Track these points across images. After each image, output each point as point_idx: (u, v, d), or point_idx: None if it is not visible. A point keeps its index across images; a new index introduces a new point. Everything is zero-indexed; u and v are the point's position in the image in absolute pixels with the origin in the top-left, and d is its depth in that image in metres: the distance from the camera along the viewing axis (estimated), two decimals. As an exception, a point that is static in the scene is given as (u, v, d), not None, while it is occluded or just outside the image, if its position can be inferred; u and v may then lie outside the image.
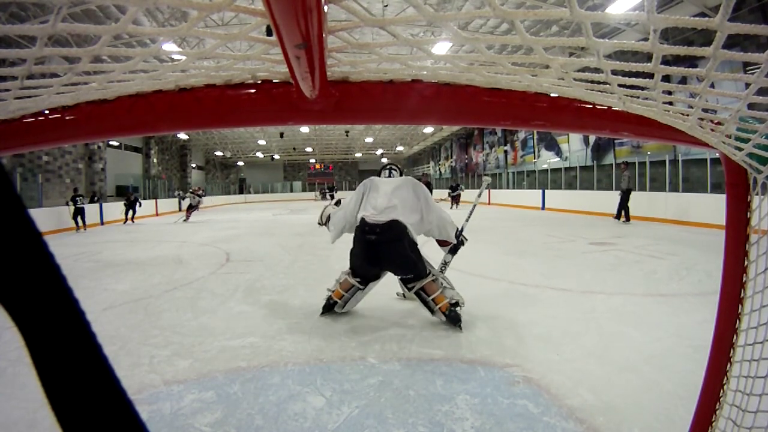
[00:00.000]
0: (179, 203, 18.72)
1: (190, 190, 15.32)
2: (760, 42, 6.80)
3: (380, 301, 3.50)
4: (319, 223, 3.47)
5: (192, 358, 2.42)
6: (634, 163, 11.54)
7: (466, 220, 3.42)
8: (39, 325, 0.22)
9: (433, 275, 2.87)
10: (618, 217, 9.95)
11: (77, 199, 11.40)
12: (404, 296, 3.44)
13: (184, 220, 13.54)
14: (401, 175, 3.30)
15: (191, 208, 14.18)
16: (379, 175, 3.32)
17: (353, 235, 2.91)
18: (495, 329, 2.78)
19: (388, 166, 3.39)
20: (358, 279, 2.96)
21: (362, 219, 2.79)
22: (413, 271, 2.81)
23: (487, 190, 20.88)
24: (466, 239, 3.30)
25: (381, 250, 2.76)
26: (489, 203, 19.52)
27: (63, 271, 0.23)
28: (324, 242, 7.47)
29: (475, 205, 3.52)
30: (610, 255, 5.61)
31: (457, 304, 2.81)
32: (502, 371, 2.19)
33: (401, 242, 2.73)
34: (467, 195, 19.19)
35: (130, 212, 13.80)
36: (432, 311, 2.85)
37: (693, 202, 9.02)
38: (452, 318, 2.78)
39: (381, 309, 3.30)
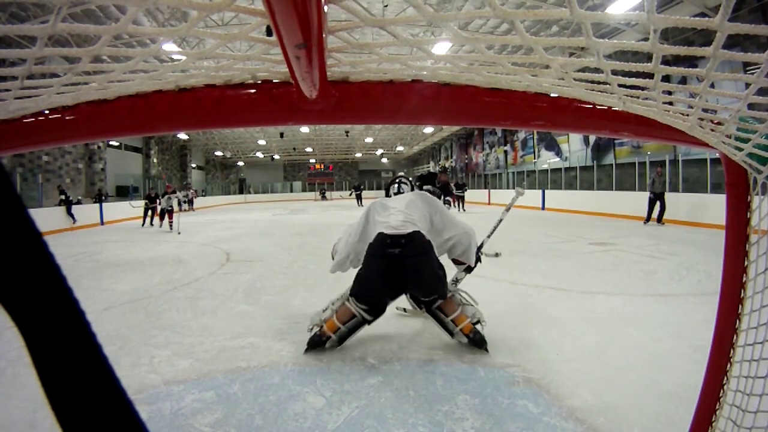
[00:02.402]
0: (146, 211, 11.94)
1: (164, 191, 11.27)
2: (760, 42, 6.80)
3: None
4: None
5: (192, 358, 2.42)
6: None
7: (488, 236, 2.97)
8: (39, 325, 0.22)
9: (451, 292, 2.52)
10: (648, 220, 9.45)
11: (64, 195, 11.86)
12: (405, 310, 3.11)
13: (165, 226, 10.66)
14: (412, 189, 2.92)
15: (165, 213, 10.83)
16: (387, 190, 2.96)
17: (366, 252, 2.41)
18: (495, 329, 2.78)
19: (398, 180, 2.99)
20: (364, 307, 2.42)
21: (380, 233, 2.35)
22: (440, 291, 2.38)
23: (491, 191, 20.87)
24: (483, 255, 2.88)
25: (408, 266, 2.26)
26: (489, 203, 19.54)
27: (63, 271, 0.23)
28: (324, 242, 7.47)
29: (501, 220, 3.02)
30: (610, 255, 5.62)
31: (478, 322, 2.48)
32: (502, 371, 2.19)
33: (429, 256, 2.31)
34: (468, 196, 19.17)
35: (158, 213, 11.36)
36: (452, 333, 2.49)
37: (693, 203, 9.02)
38: (477, 341, 2.44)
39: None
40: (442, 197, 6.57)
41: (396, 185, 2.93)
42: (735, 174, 0.94)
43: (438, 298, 2.41)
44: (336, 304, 2.53)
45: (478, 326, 2.48)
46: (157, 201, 11.55)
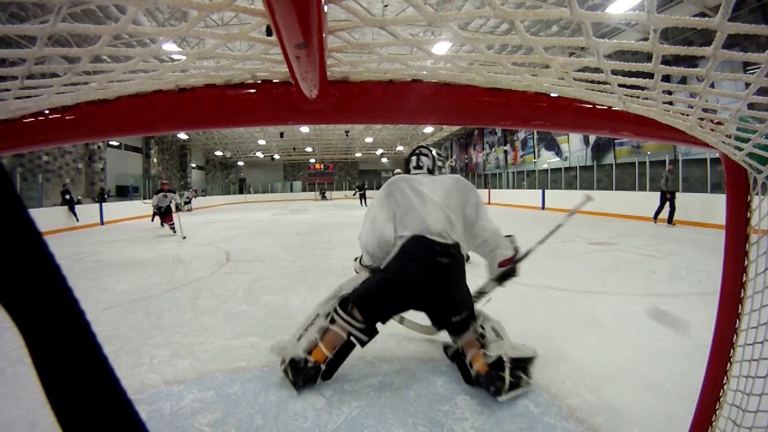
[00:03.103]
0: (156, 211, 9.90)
1: (160, 188, 9.61)
2: (760, 42, 6.79)
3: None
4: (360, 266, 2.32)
5: (192, 358, 2.42)
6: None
7: (540, 242, 2.36)
8: (39, 325, 0.22)
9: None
10: (656, 219, 9.19)
11: (68, 196, 11.85)
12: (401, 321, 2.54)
13: (171, 229, 9.24)
14: (434, 164, 2.33)
15: (162, 212, 9.30)
16: (406, 164, 2.42)
17: (400, 254, 2.02)
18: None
19: (417, 151, 2.41)
20: (361, 326, 1.96)
21: (424, 237, 1.99)
22: (472, 308, 2.06)
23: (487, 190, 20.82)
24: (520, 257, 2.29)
25: (450, 277, 2.01)
26: (489, 203, 19.54)
27: (63, 271, 0.23)
28: (324, 242, 7.48)
29: (560, 225, 2.40)
30: (610, 255, 5.61)
31: (500, 362, 1.89)
32: (502, 371, 2.19)
33: (464, 268, 2.10)
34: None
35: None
36: (470, 375, 1.98)
37: (693, 202, 9.02)
38: (494, 383, 1.85)
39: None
40: None
41: (415, 158, 2.39)
42: (735, 174, 0.95)
43: (470, 316, 2.03)
44: (313, 329, 2.04)
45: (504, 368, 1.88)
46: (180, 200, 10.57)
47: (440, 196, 2.11)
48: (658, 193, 9.09)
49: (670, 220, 8.92)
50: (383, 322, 2.05)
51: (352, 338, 1.98)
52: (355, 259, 2.40)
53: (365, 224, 2.20)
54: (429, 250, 1.98)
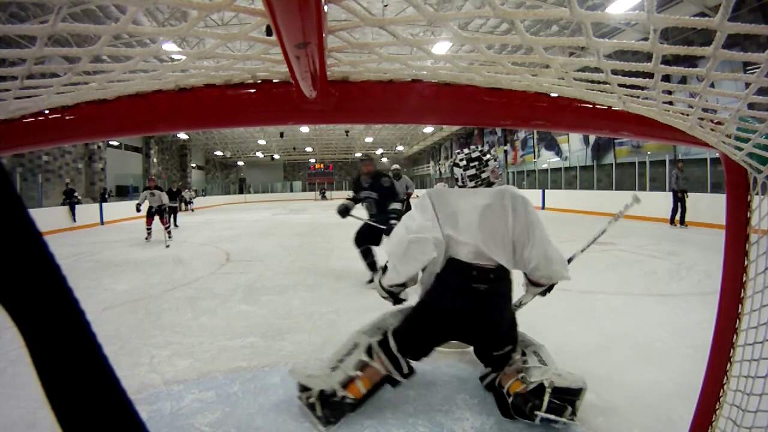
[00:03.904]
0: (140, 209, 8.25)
1: (146, 185, 8.21)
2: (760, 42, 6.79)
3: (380, 299, 3.49)
4: (388, 290, 1.93)
5: (192, 358, 2.42)
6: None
7: (582, 250, 2.26)
8: (39, 325, 0.22)
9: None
10: (672, 221, 8.72)
11: (73, 197, 11.97)
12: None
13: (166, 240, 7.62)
14: (480, 176, 1.83)
15: (154, 213, 7.98)
16: (451, 173, 1.97)
17: (435, 280, 1.77)
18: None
19: (455, 161, 1.90)
20: (404, 365, 1.79)
21: (458, 260, 1.73)
22: (514, 340, 1.86)
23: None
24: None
25: (492, 306, 1.75)
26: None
27: (63, 271, 0.23)
28: (324, 242, 7.48)
29: (605, 230, 2.30)
30: (610, 255, 5.61)
31: (540, 390, 1.64)
32: (502, 371, 2.19)
33: (510, 296, 1.83)
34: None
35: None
36: (511, 407, 1.71)
37: (693, 202, 9.01)
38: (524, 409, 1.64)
39: (381, 309, 3.29)
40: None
41: (456, 169, 1.88)
42: (735, 174, 0.95)
43: (512, 350, 1.82)
44: (351, 360, 1.81)
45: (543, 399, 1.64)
46: (177, 198, 10.18)
47: (476, 216, 1.74)
48: (670, 194, 8.73)
49: (682, 221, 8.53)
50: (423, 357, 1.85)
51: (391, 375, 1.79)
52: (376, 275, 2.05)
53: (405, 226, 1.83)
54: (460, 273, 1.72)
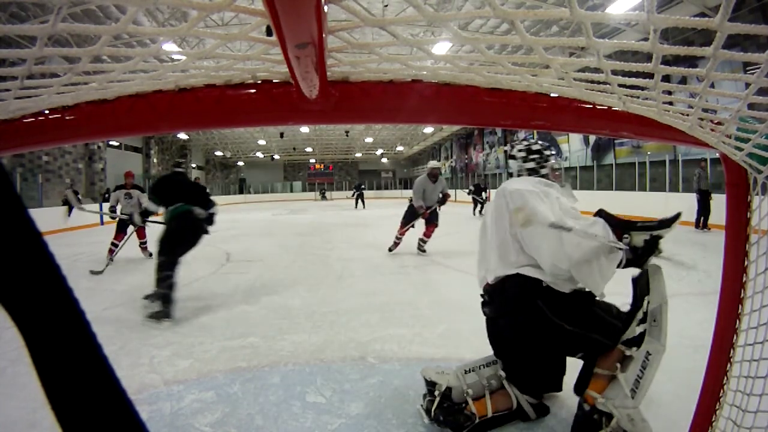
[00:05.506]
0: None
1: (122, 183, 6.17)
2: (760, 42, 6.79)
3: (380, 299, 3.50)
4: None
5: (192, 358, 2.42)
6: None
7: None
8: (39, 325, 0.22)
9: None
10: (698, 224, 8.00)
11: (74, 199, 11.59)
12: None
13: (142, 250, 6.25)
14: (539, 172, 1.68)
15: (127, 223, 5.56)
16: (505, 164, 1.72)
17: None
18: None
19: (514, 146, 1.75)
20: (535, 400, 1.70)
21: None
22: (584, 345, 1.60)
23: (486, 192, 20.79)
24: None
25: (505, 335, 1.66)
26: (489, 201, 19.47)
27: (63, 271, 0.23)
28: (324, 242, 7.47)
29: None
30: (610, 255, 5.60)
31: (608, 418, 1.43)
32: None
33: (526, 315, 1.53)
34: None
35: None
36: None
37: (693, 203, 9.01)
38: None
39: (381, 309, 3.29)
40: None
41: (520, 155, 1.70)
42: (735, 174, 0.95)
43: (599, 343, 1.58)
44: (488, 371, 1.67)
45: None
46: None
47: (489, 227, 1.60)
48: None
49: (704, 224, 7.94)
50: (552, 390, 1.70)
51: (521, 407, 1.63)
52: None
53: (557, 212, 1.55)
54: (483, 301, 1.61)
